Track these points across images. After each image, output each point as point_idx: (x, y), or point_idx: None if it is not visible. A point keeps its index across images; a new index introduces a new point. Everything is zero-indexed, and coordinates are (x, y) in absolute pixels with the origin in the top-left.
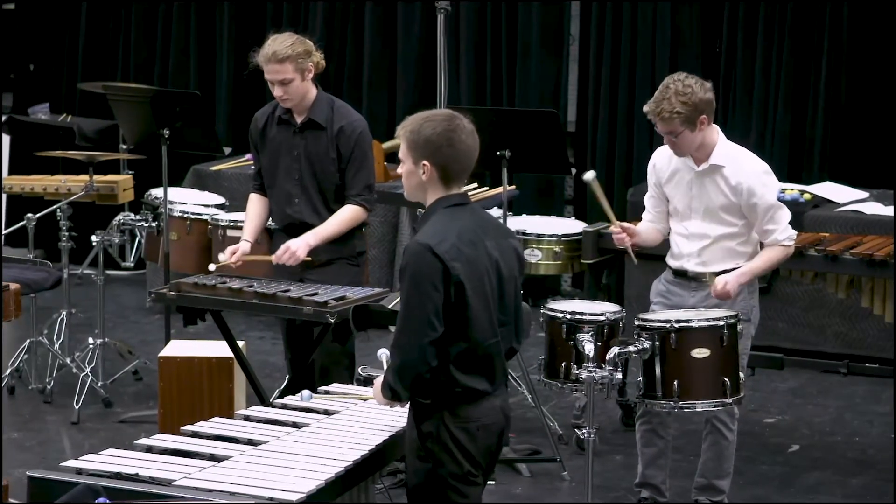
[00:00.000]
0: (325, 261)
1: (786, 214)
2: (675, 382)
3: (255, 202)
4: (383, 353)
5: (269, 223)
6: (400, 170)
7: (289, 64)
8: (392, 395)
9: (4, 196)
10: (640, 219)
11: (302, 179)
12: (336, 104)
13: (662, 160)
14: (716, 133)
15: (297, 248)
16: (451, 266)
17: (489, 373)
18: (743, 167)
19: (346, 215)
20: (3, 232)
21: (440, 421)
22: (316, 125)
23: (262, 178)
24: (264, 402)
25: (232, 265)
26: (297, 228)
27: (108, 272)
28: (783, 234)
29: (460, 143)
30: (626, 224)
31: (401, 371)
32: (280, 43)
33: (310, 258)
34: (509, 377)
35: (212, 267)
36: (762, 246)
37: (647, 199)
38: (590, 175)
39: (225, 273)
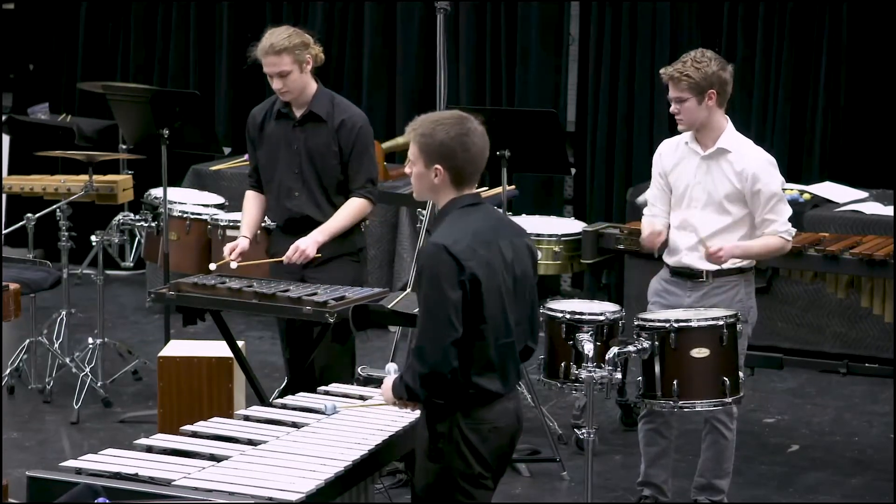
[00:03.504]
0: (325, 258)
1: (787, 208)
2: (675, 382)
3: (252, 199)
4: (392, 367)
5: (265, 222)
6: (408, 170)
7: (286, 56)
8: (409, 395)
9: (4, 196)
10: (640, 218)
11: (302, 173)
12: (336, 99)
13: (668, 149)
14: (725, 120)
15: (307, 246)
16: (466, 265)
17: (502, 373)
18: (749, 154)
19: (353, 208)
20: (3, 232)
21: (453, 422)
22: (317, 118)
23: (259, 174)
24: (264, 402)
25: (232, 262)
26: (296, 223)
27: (108, 272)
28: (783, 226)
29: (473, 146)
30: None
31: (424, 374)
32: (277, 35)
33: (319, 255)
34: None
35: (212, 266)
36: None
37: (650, 194)
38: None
39: (227, 273)
